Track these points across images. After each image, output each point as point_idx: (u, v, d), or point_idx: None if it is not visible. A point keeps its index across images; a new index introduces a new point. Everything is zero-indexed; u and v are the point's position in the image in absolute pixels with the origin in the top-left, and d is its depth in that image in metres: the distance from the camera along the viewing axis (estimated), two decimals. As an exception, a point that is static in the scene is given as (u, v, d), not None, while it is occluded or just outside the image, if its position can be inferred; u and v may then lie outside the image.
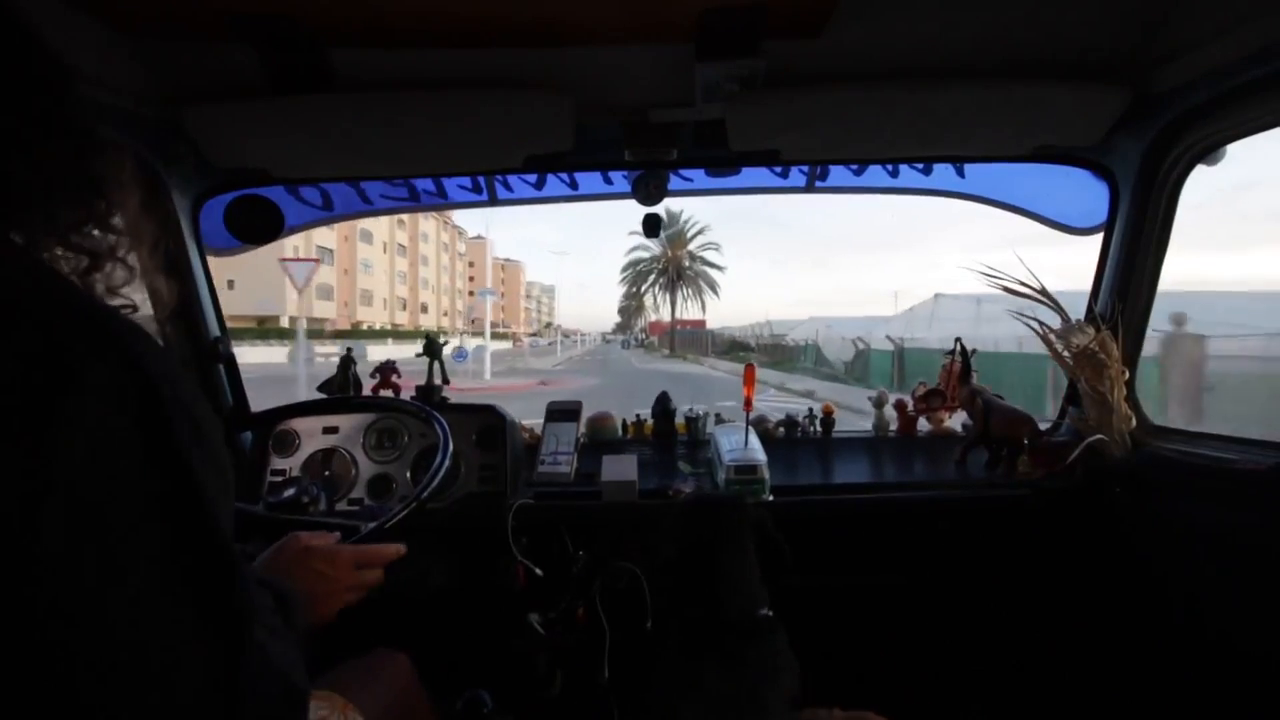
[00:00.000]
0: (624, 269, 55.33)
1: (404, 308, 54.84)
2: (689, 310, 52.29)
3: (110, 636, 0.35)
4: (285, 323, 35.22)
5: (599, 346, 65.69)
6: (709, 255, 51.90)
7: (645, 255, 52.19)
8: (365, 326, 45.41)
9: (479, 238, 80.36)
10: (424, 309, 59.82)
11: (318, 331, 36.09)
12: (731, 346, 38.78)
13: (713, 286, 51.48)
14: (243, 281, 32.53)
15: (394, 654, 1.06)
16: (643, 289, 55.01)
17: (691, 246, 50.63)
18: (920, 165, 1.58)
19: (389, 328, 49.30)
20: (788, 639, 1.13)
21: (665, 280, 51.49)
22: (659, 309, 54.51)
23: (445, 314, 67.18)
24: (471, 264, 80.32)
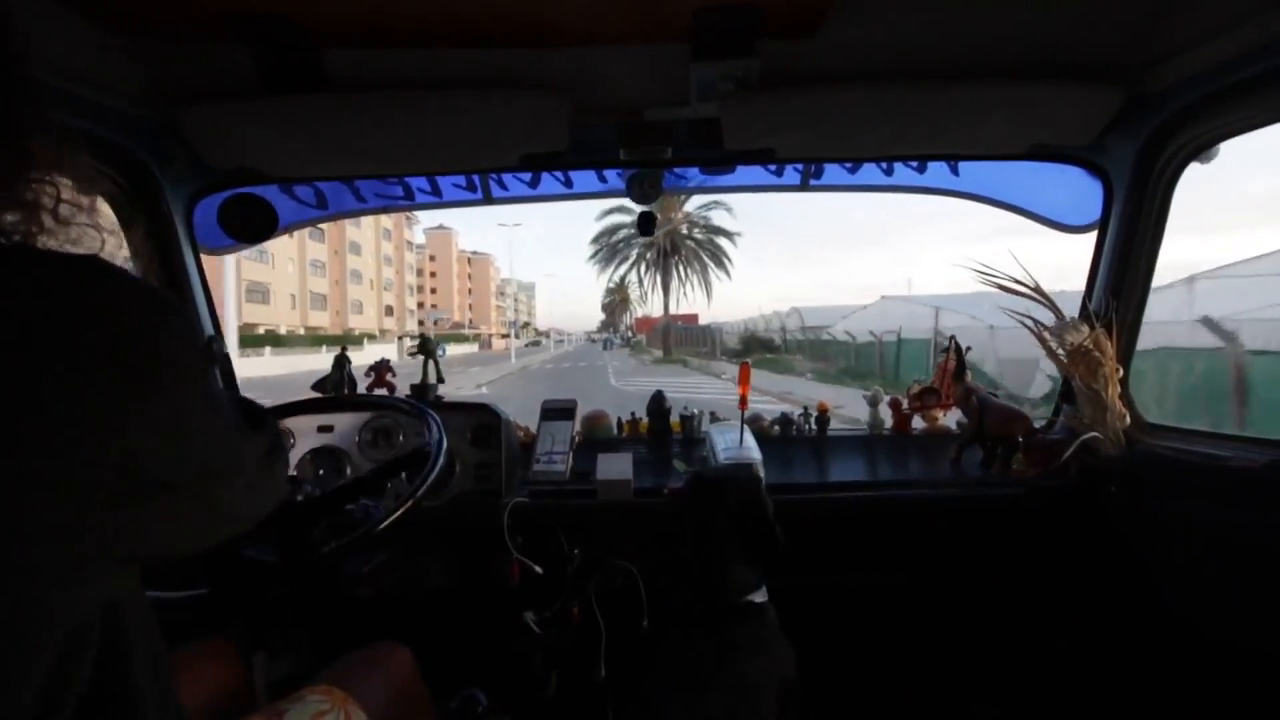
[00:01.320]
0: (595, 239, 37.23)
1: (324, 306, 45.11)
2: (689, 297, 38.63)
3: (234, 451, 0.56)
4: None
5: (579, 348, 54.63)
6: (716, 218, 36.67)
7: (626, 220, 33.84)
8: (264, 330, 36.22)
9: (441, 228, 72.59)
10: (358, 308, 49.77)
11: None
12: (749, 345, 26.19)
13: (722, 263, 35.32)
14: None
15: (395, 646, 1.05)
16: (623, 270, 38.33)
17: (690, 208, 35.24)
18: (915, 163, 1.58)
19: (302, 331, 39.63)
20: (778, 624, 1.13)
21: (655, 256, 35.82)
22: (647, 299, 39.47)
23: (390, 312, 55.60)
24: (433, 257, 71.73)
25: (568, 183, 1.61)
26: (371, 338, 40.23)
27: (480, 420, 1.50)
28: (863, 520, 1.50)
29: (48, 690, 0.42)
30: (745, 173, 1.61)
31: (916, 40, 1.15)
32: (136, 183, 1.32)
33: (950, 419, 1.81)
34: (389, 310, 55.61)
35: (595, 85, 1.24)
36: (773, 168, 1.57)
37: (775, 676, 1.08)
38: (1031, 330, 1.49)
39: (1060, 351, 1.45)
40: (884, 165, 1.59)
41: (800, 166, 1.58)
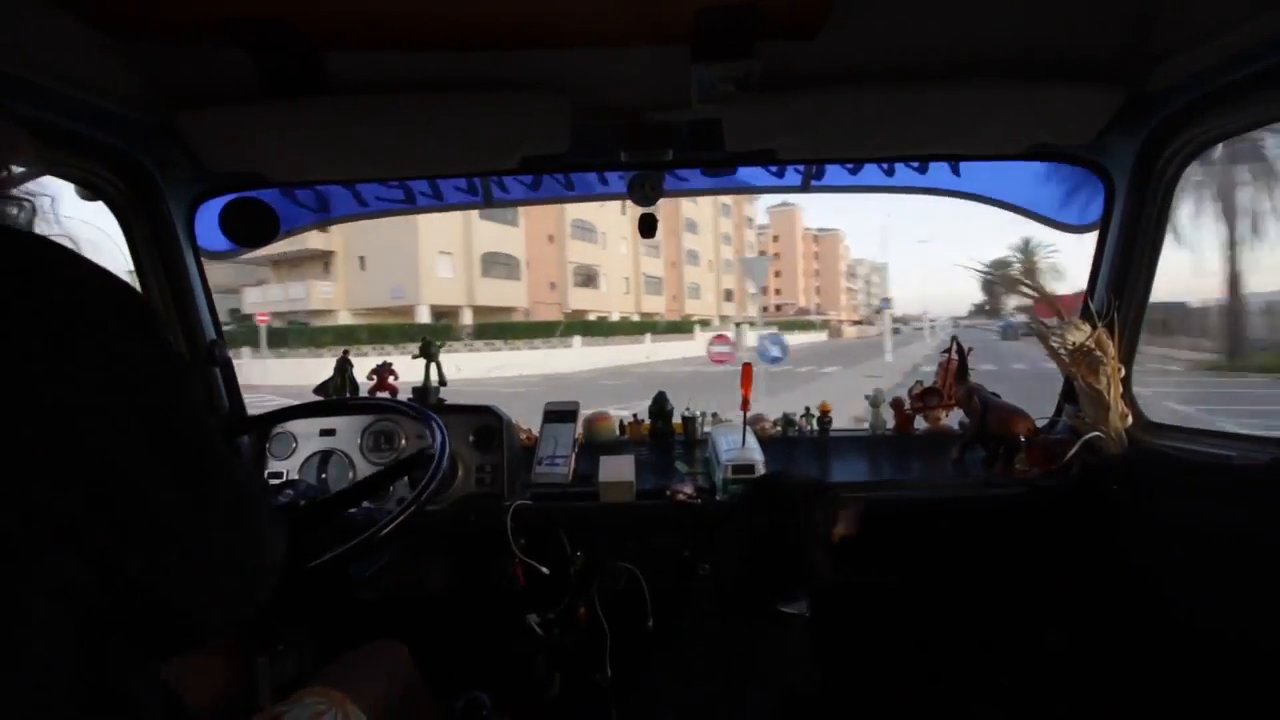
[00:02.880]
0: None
1: (660, 290, 39.89)
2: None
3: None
4: (424, 316, 24.47)
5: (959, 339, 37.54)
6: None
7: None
8: (593, 316, 31.46)
9: (785, 204, 63.64)
10: (695, 292, 43.45)
11: (491, 328, 24.59)
12: None
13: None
14: (376, 260, 24.36)
15: (391, 643, 1.05)
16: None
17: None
18: (916, 164, 1.58)
19: (636, 318, 34.56)
20: (809, 641, 1.14)
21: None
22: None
23: (730, 296, 47.47)
24: (777, 237, 62.44)
25: (569, 185, 1.61)
26: (706, 324, 34.72)
27: (482, 423, 1.50)
28: (865, 520, 1.49)
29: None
30: (746, 174, 1.61)
31: (916, 41, 1.15)
32: (137, 186, 1.32)
33: (953, 419, 1.81)
34: (728, 295, 48.08)
35: (596, 87, 1.24)
36: (774, 169, 1.57)
37: (781, 685, 1.08)
38: (1034, 329, 1.49)
39: (1062, 351, 1.45)
40: (885, 166, 1.59)
41: (801, 168, 1.58)
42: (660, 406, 1.81)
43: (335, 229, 24.39)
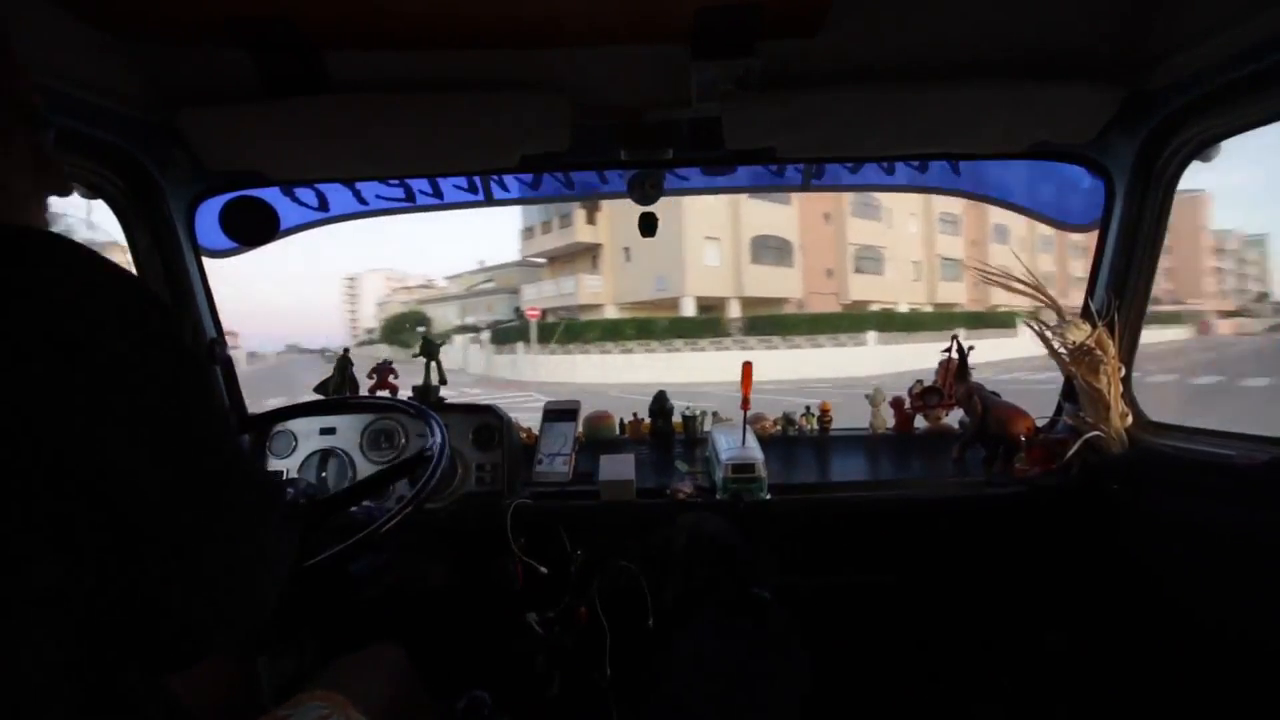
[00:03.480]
0: None
1: (958, 275, 32.89)
2: None
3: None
4: (689, 309, 22.59)
5: None
6: None
7: None
8: (876, 306, 26.57)
9: None
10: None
11: (765, 321, 21.24)
12: None
13: None
14: (641, 251, 22.53)
15: (389, 647, 1.05)
16: None
17: None
18: (916, 163, 1.58)
19: (929, 309, 29.12)
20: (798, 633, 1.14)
21: None
22: None
23: (1033, 286, 36.27)
24: None
25: (569, 184, 1.61)
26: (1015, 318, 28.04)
27: (482, 421, 1.50)
28: (865, 520, 1.49)
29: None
30: (746, 173, 1.61)
31: (916, 40, 1.15)
32: (137, 186, 1.32)
33: (953, 418, 1.81)
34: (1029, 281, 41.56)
35: (595, 86, 1.24)
36: (773, 168, 1.57)
37: (781, 684, 1.09)
38: (1034, 329, 1.49)
39: (1062, 350, 1.45)
40: (884, 165, 1.59)
41: (801, 166, 1.57)
42: (660, 405, 1.81)
43: (602, 220, 23.70)
